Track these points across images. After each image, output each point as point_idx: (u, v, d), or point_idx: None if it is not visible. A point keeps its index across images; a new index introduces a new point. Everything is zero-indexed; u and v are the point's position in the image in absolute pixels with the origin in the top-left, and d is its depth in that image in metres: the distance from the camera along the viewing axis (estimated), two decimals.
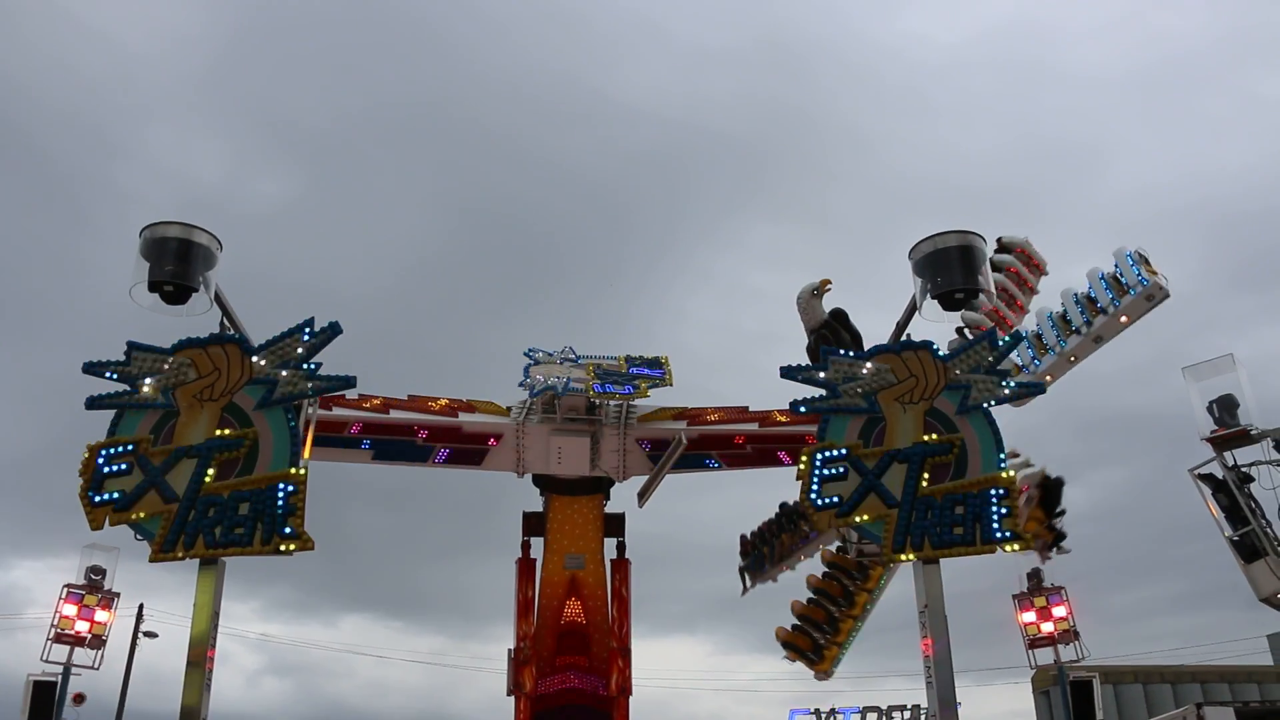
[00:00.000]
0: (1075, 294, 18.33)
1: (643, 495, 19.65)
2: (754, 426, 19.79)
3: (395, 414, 19.08)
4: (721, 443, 19.77)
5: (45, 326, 58.42)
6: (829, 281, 19.20)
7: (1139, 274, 17.76)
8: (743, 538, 22.66)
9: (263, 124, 69.38)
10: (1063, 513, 18.13)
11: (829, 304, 19.75)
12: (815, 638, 21.71)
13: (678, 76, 71.79)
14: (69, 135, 61.60)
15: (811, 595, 21.89)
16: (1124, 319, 17.74)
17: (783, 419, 19.45)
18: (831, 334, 19.14)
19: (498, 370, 20.69)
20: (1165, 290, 17.70)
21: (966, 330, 17.34)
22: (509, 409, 19.86)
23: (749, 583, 22.39)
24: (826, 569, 21.74)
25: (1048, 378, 18.21)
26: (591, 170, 69.43)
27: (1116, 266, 18.02)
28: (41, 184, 61.51)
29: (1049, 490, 17.95)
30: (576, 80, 68.75)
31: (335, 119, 68.68)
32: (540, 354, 20.14)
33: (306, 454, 13.31)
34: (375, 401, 19.02)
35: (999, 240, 19.44)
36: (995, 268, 18.83)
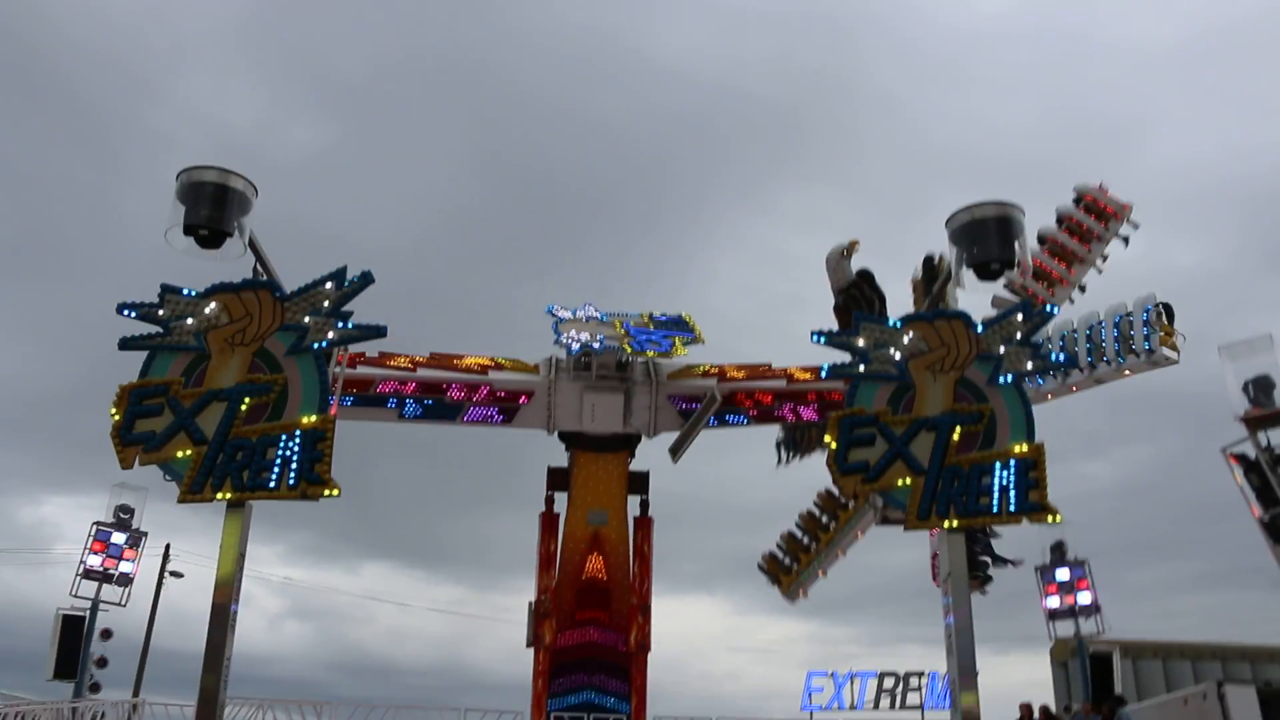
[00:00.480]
0: (1089, 329, 18.48)
1: (676, 450, 19.66)
2: (782, 383, 19.86)
3: (424, 372, 19.14)
4: (750, 399, 19.88)
5: (76, 267, 58.83)
6: (857, 242, 19.20)
7: (1147, 339, 18.05)
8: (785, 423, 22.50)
9: (298, 72, 69.22)
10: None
11: (857, 265, 19.75)
12: (784, 563, 21.96)
13: (715, 38, 70.93)
14: (104, 77, 61.63)
15: (795, 527, 22.02)
16: (1126, 373, 18.21)
17: (804, 375, 19.60)
18: (859, 294, 19.13)
19: (526, 325, 20.77)
20: (1173, 359, 18.11)
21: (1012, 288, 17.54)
22: (536, 366, 19.88)
23: (784, 456, 22.27)
24: (813, 505, 21.86)
25: (1049, 396, 18.43)
26: (626, 129, 68.94)
27: (1131, 316, 18.31)
28: (75, 124, 61.72)
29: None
30: (614, 38, 68.08)
31: (371, 70, 68.35)
32: (562, 311, 20.14)
33: (333, 413, 13.34)
34: (400, 360, 19.05)
35: (1074, 190, 19.49)
36: (1058, 219, 19.00)
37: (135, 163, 61.00)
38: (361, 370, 18.40)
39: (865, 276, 19.27)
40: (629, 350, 19.19)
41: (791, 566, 22.03)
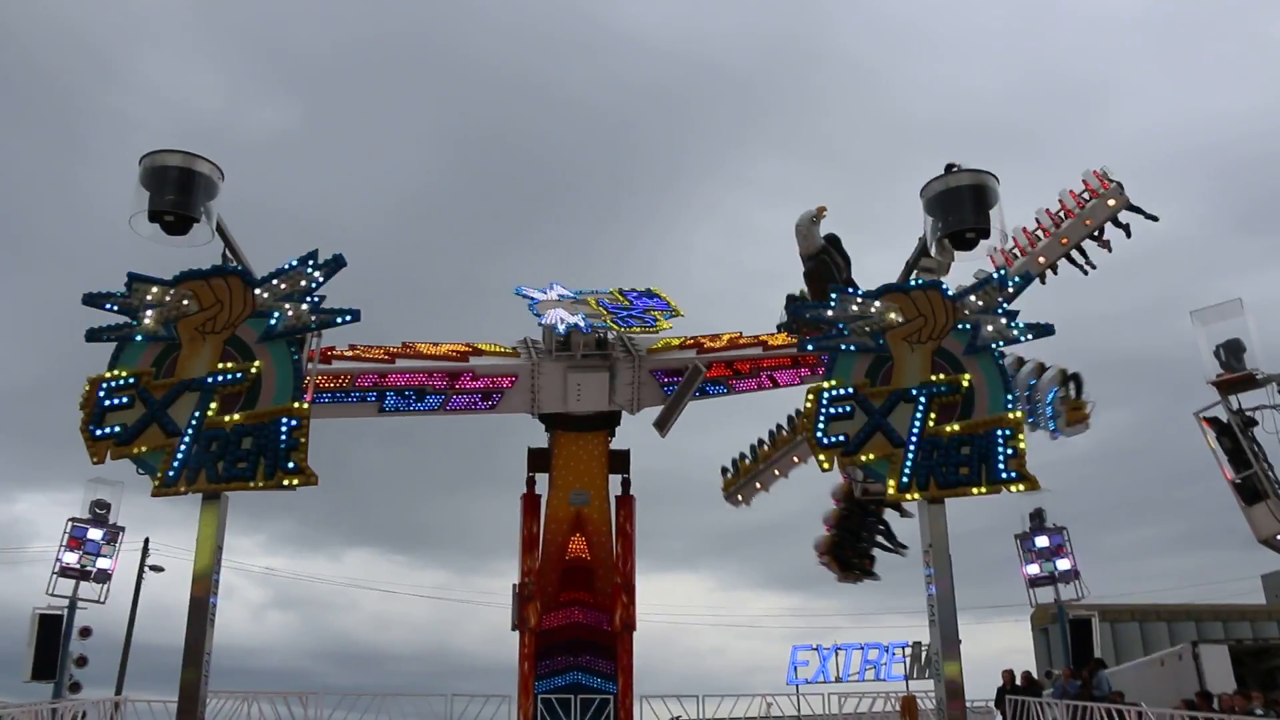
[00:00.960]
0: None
1: (663, 425, 19.65)
2: (757, 351, 19.96)
3: (404, 363, 18.87)
4: (728, 369, 19.94)
5: (42, 254, 58.02)
6: (825, 208, 19.31)
7: (1052, 420, 18.73)
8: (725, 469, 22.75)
9: (259, 51, 68.30)
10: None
11: (824, 231, 19.83)
12: (725, 468, 22.42)
13: (679, 7, 70.52)
14: (64, 58, 60.64)
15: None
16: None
17: (778, 342, 19.76)
18: (829, 259, 19.23)
19: (498, 304, 20.62)
20: (1081, 431, 18.93)
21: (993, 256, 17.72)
22: (515, 350, 19.76)
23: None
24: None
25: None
26: (594, 103, 68.53)
27: (1035, 398, 18.68)
28: (36, 107, 60.81)
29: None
30: (577, 10, 67.55)
31: (333, 47, 67.51)
32: (533, 291, 20.03)
33: (307, 402, 13.16)
34: (375, 352, 18.79)
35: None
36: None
37: (98, 145, 60.33)
38: (338, 365, 18.13)
39: (833, 241, 19.39)
40: (616, 328, 19.19)
41: (731, 472, 22.21)
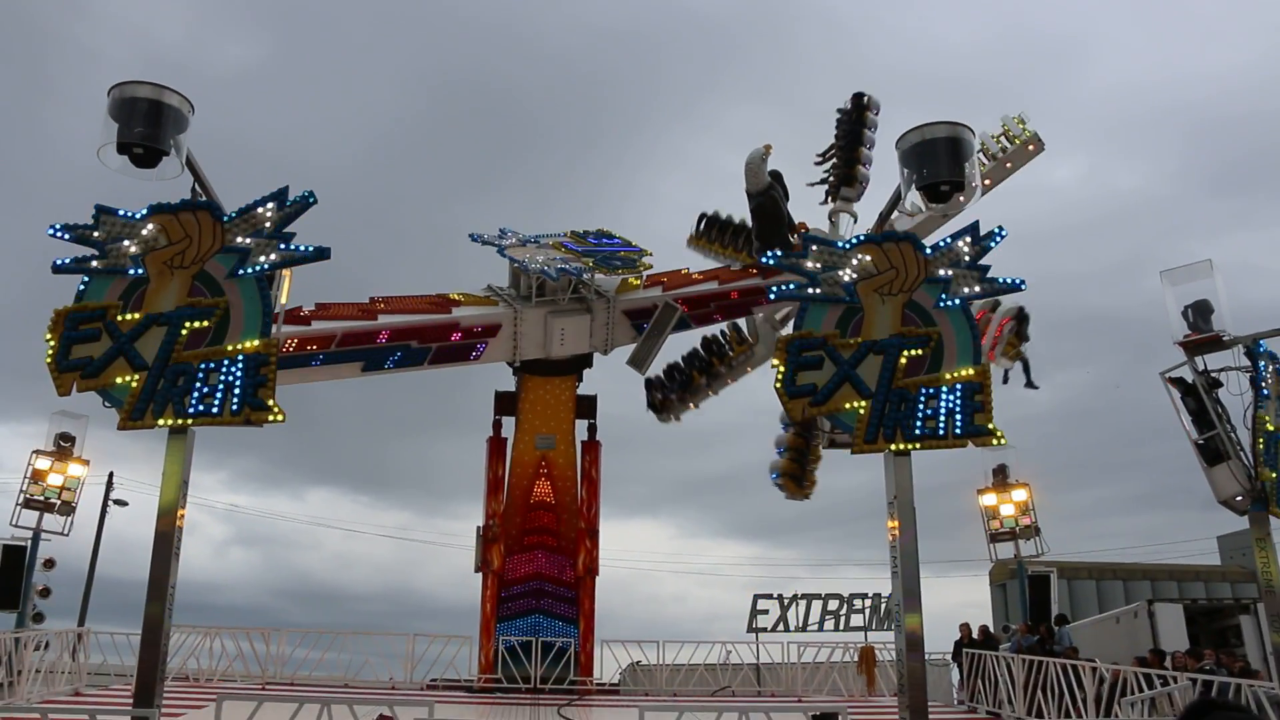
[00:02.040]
0: None
1: (642, 362, 19.70)
2: (714, 285, 20.12)
3: (388, 319, 18.28)
4: (693, 304, 20.05)
5: (6, 187, 57.15)
6: (770, 146, 19.62)
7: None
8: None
9: None
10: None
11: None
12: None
13: None
14: None
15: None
16: None
17: (730, 277, 20.07)
18: (776, 195, 19.50)
19: (467, 247, 20.34)
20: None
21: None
22: (491, 298, 19.60)
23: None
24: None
25: None
26: (564, 47, 67.81)
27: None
28: (3, 40, 59.60)
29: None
30: None
31: None
32: (497, 239, 19.92)
33: (279, 343, 13.09)
34: (347, 310, 18.15)
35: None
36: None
37: (64, 80, 59.31)
38: (318, 326, 17.63)
39: (776, 177, 19.70)
40: (603, 270, 19.23)
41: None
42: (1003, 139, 20.63)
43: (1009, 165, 20.45)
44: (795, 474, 21.37)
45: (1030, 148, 20.57)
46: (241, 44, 66.83)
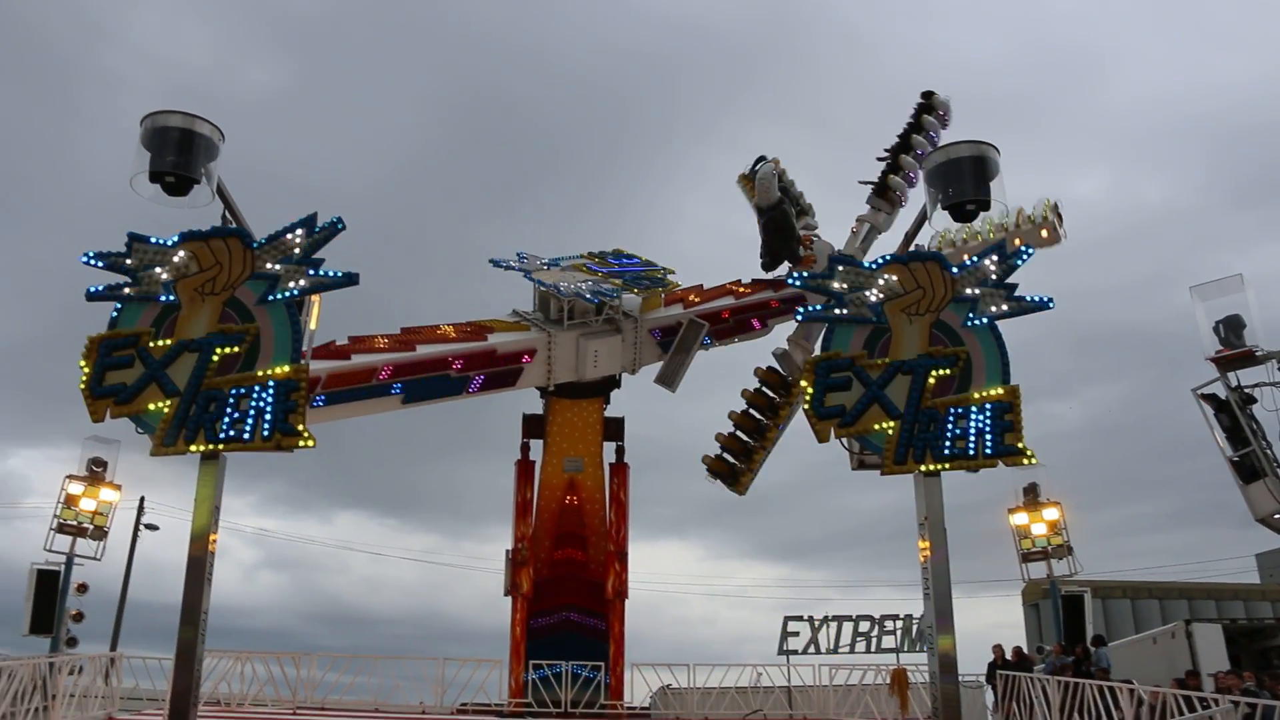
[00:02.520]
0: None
1: (671, 380, 19.67)
2: (730, 300, 20.15)
3: (425, 349, 17.99)
4: (713, 319, 20.06)
5: (35, 213, 57.84)
6: (779, 160, 19.68)
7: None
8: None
9: (251, 10, 67.71)
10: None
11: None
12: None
13: None
14: (55, 17, 60.18)
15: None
16: None
17: (744, 290, 20.21)
18: (787, 209, 19.58)
19: (489, 268, 20.33)
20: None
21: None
22: (522, 323, 19.49)
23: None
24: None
25: None
26: (585, 67, 67.95)
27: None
28: (28, 68, 60.42)
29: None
30: None
31: (325, 7, 66.90)
32: (508, 263, 19.89)
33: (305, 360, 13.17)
34: (379, 342, 17.90)
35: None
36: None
37: (90, 106, 60.09)
38: (360, 360, 17.20)
39: (784, 190, 19.76)
40: (631, 290, 19.28)
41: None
42: (1027, 218, 20.27)
43: (1017, 242, 19.73)
44: (724, 473, 21.39)
45: (1044, 234, 20.01)
46: (265, 69, 67.56)
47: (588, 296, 18.87)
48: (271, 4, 67.50)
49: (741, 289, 20.46)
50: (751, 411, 21.47)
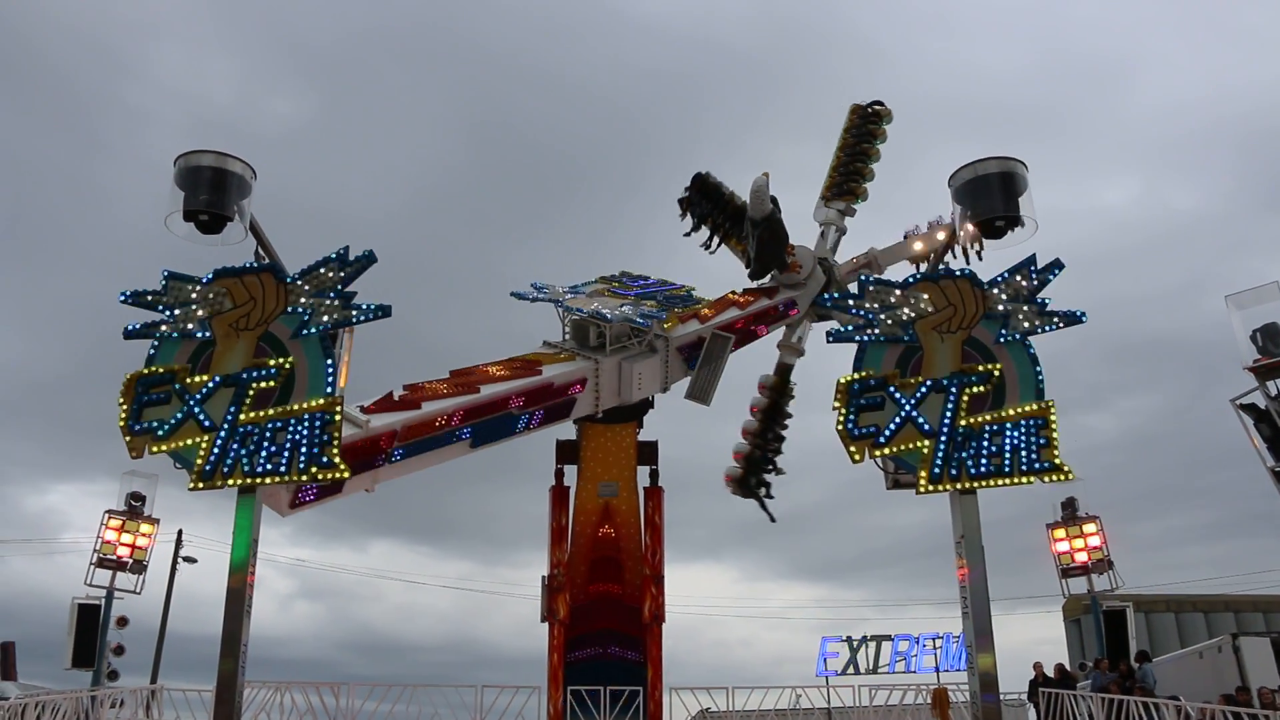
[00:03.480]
0: None
1: (704, 394, 19.59)
2: (737, 311, 20.17)
3: (488, 389, 17.28)
4: (729, 331, 20.06)
5: (65, 248, 58.35)
6: (768, 173, 19.87)
7: None
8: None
9: (272, 42, 68.27)
10: None
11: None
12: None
13: None
14: (80, 54, 60.87)
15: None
16: None
17: (746, 299, 20.37)
18: (780, 220, 19.61)
19: (514, 293, 20.36)
20: None
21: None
22: (565, 353, 19.24)
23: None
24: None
25: None
26: (606, 88, 67.84)
27: None
28: (54, 105, 61.05)
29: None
30: None
31: (345, 37, 67.21)
32: (533, 295, 19.74)
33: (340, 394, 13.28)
34: (437, 388, 17.20)
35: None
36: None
37: (116, 141, 60.77)
38: (429, 409, 16.28)
39: (775, 203, 19.81)
40: (673, 313, 19.37)
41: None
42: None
43: (918, 246, 19.98)
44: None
45: (941, 234, 19.02)
46: (287, 100, 68.10)
47: (639, 321, 18.74)
48: (292, 35, 68.12)
49: (742, 298, 20.50)
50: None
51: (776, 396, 21.07)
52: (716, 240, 20.60)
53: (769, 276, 20.44)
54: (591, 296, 19.91)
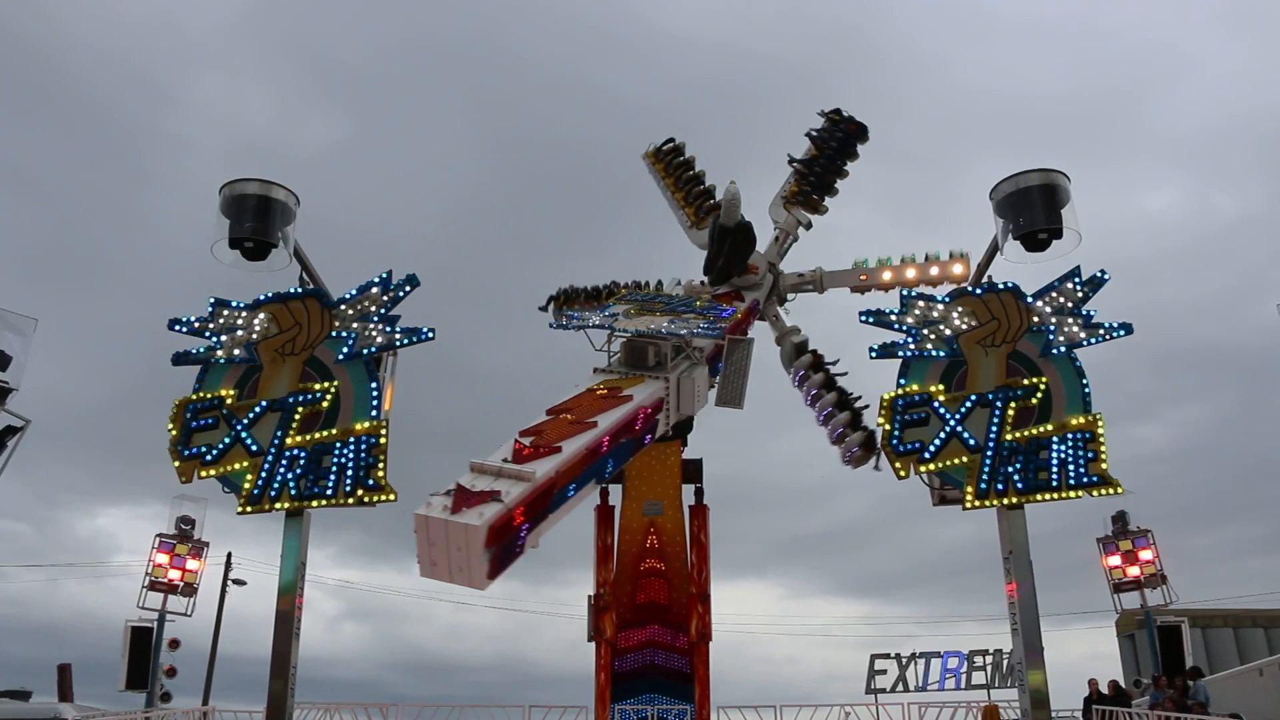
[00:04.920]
0: None
1: (735, 398, 19.23)
2: (736, 306, 19.99)
3: (605, 421, 16.76)
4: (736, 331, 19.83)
5: (110, 276, 59.19)
6: (734, 181, 19.77)
7: None
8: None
9: (306, 64, 68.96)
10: None
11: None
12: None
13: (730, 2, 69.82)
14: (119, 83, 61.97)
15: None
16: None
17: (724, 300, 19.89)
18: (749, 229, 19.44)
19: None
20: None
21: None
22: (626, 376, 18.79)
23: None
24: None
25: None
26: (644, 100, 67.73)
27: None
28: (95, 133, 62.14)
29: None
30: (622, 8, 67.11)
31: (376, 54, 67.87)
32: (574, 324, 19.49)
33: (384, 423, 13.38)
34: (557, 428, 16.08)
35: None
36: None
37: (157, 167, 61.74)
38: (570, 447, 15.16)
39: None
40: (718, 320, 19.22)
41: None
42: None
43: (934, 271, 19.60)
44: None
45: (958, 268, 18.99)
46: (322, 121, 68.77)
47: (714, 334, 18.20)
48: (326, 56, 68.81)
49: (723, 300, 20.20)
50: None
51: (821, 368, 20.48)
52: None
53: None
54: (634, 318, 19.72)
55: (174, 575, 20.96)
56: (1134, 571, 21.11)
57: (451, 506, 11.27)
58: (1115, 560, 21.22)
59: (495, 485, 11.91)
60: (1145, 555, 21.10)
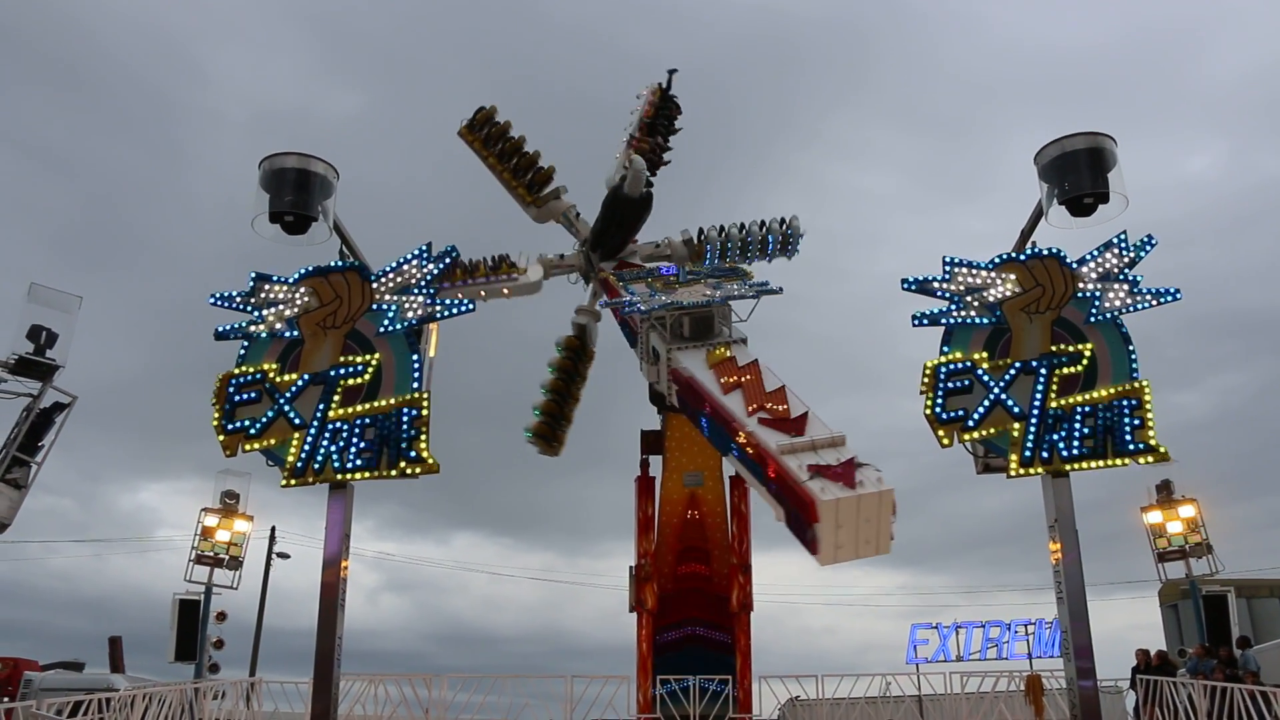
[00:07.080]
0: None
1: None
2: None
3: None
4: None
5: (147, 252, 59.66)
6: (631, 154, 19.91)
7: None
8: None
9: (332, 35, 68.97)
10: None
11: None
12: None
13: None
14: (151, 60, 62.28)
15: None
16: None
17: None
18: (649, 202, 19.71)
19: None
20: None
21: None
22: (703, 345, 18.28)
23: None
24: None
25: None
26: (676, 62, 67.22)
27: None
28: (129, 111, 62.65)
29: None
30: None
31: (403, 21, 67.55)
32: (627, 308, 19.24)
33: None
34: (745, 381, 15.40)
35: None
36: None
37: (191, 143, 62.15)
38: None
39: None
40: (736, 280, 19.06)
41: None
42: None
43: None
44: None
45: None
46: (352, 92, 68.73)
47: (775, 290, 17.59)
48: (353, 29, 68.74)
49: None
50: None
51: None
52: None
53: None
54: (662, 292, 19.40)
55: (219, 549, 21.18)
56: (1178, 538, 20.79)
57: (845, 483, 11.50)
58: (1156, 516, 20.89)
59: (821, 458, 11.92)
60: (1186, 512, 20.80)
